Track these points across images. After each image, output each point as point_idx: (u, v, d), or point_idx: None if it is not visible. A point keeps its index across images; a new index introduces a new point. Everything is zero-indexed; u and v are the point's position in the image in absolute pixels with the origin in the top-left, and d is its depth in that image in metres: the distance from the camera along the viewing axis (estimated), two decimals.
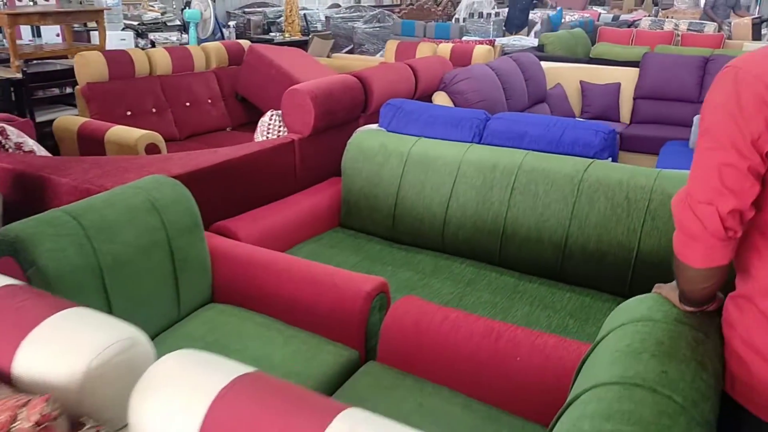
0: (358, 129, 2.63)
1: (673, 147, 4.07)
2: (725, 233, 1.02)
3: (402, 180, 2.36)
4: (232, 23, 7.13)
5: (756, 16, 8.79)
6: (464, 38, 7.29)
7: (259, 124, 2.67)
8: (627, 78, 5.04)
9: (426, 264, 2.21)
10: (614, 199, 1.99)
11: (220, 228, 2.12)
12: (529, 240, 2.12)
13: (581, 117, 5.04)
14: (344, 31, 8.49)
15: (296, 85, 2.53)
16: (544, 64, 5.30)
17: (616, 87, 5.01)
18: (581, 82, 5.06)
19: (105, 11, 5.38)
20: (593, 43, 8.44)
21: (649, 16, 11.77)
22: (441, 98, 3.45)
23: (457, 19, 9.04)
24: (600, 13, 11.88)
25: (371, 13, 8.51)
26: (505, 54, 6.66)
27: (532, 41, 7.07)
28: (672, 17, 10.84)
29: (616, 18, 11.49)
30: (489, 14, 7.88)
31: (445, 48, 4.90)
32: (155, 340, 1.71)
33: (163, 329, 1.75)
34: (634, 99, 4.97)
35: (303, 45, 7.38)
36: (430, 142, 2.39)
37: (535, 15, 8.92)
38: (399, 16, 9.98)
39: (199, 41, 5.85)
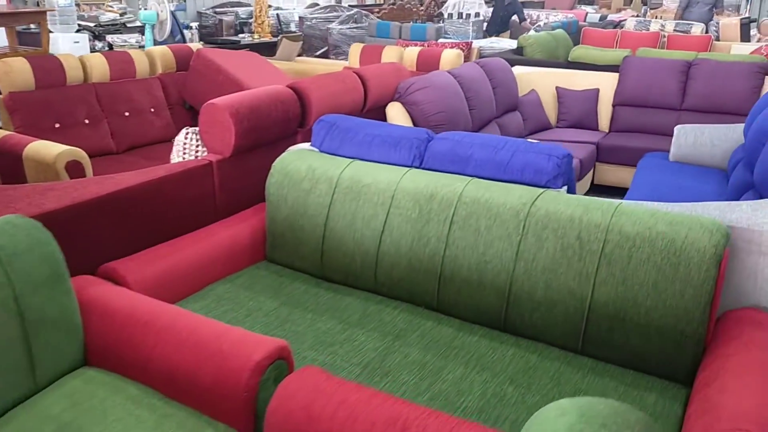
0: (289, 148, 2.33)
1: (653, 159, 3.78)
2: None
3: (330, 210, 2.06)
4: (194, 24, 6.80)
5: (745, 16, 8.53)
6: (440, 40, 7.00)
7: (174, 143, 2.37)
8: (606, 83, 4.75)
9: (354, 309, 1.91)
10: (564, 239, 1.70)
11: (107, 271, 1.81)
12: (469, 283, 1.83)
13: (557, 125, 4.76)
14: (319, 32, 8.18)
15: (215, 99, 2.23)
16: (517, 69, 5.01)
17: (595, 93, 4.73)
18: (557, 88, 4.77)
19: (51, 12, 5.06)
20: (577, 45, 8.21)
21: (637, 16, 11.53)
22: (395, 110, 3.15)
23: (437, 19, 8.75)
24: (587, 13, 11.62)
25: (347, 14, 8.20)
26: (482, 57, 6.38)
27: (511, 43, 6.79)
28: (660, 17, 10.59)
29: (603, 18, 11.24)
30: (468, 15, 7.59)
31: (411, 52, 4.60)
32: (3, 418, 1.41)
33: (17, 403, 1.45)
34: (614, 106, 4.69)
35: (273, 47, 7.07)
36: (364, 166, 2.09)
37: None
38: (378, 16, 9.68)
39: (156, 44, 5.53)
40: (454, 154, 2.05)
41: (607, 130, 4.70)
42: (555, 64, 5.34)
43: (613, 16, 11.00)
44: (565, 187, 1.94)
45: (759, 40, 9.19)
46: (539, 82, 4.82)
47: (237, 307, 1.89)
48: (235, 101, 2.23)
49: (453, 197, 1.88)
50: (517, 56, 5.85)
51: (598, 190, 4.40)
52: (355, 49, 4.78)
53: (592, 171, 4.34)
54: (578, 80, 4.82)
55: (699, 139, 3.67)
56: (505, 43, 6.93)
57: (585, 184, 4.21)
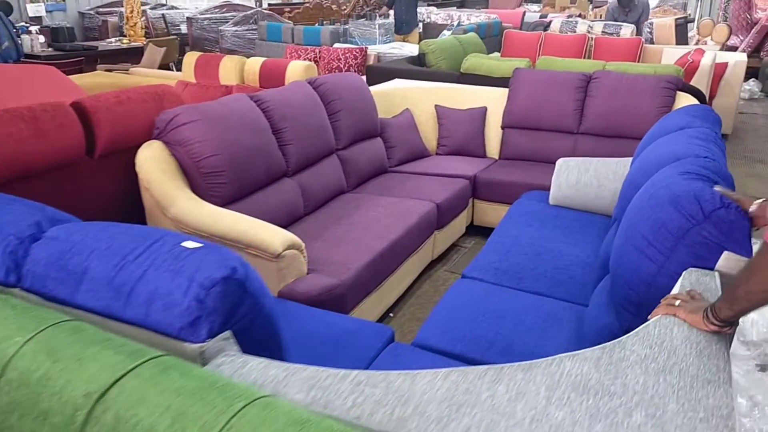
0: None
1: (528, 202, 3.00)
2: None
3: None
4: (35, 28, 5.81)
5: (680, 16, 7.86)
6: (336, 45, 6.16)
7: None
8: (496, 101, 3.97)
9: None
10: None
11: None
12: None
13: (437, 152, 3.96)
14: (213, 34, 7.26)
15: None
16: (394, 83, 4.21)
17: (481, 113, 3.94)
18: (436, 106, 3.98)
19: None
20: (500, 50, 7.44)
21: (580, 15, 10.89)
22: (152, 152, 2.29)
23: (343, 21, 7.89)
24: (524, 12, 10.94)
25: (244, 14, 7.29)
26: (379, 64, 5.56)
27: (414, 48, 5.98)
28: (601, 17, 9.94)
29: (543, 17, 10.59)
30: (374, 15, 6.75)
31: (253, 63, 3.76)
32: None
33: None
34: (503, 128, 3.91)
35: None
36: None
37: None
38: (290, 17, 8.82)
39: None
40: (61, 267, 1.21)
41: (497, 157, 3.92)
42: (445, 76, 4.54)
43: (554, 16, 10.33)
44: (227, 337, 1.11)
45: (697, 43, 8.57)
46: (418, 100, 4.02)
47: None
48: None
49: None
50: (416, 67, 5.04)
51: (478, 232, 3.62)
52: (189, 60, 3.91)
53: (469, 209, 3.55)
54: (465, 97, 4.03)
55: (583, 177, 2.90)
56: (409, 48, 6.12)
57: (459, 226, 3.41)
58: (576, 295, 2.14)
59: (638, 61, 6.47)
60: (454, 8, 12.08)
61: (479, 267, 2.33)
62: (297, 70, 3.61)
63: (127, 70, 4.64)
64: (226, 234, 2.10)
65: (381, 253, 2.44)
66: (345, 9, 10.26)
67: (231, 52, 7.17)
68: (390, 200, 2.96)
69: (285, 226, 2.64)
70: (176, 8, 8.03)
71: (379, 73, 4.81)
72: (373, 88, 3.94)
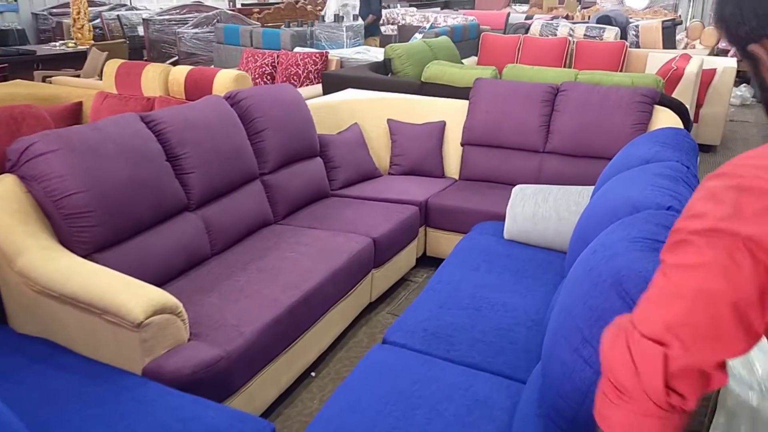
0: None
1: (480, 236, 2.60)
2: (666, 398, 0.65)
3: None
4: None
5: (668, 18, 7.46)
6: (298, 49, 5.75)
7: None
8: (456, 114, 3.56)
9: None
10: None
11: None
12: None
13: (390, 171, 3.55)
14: (171, 36, 6.83)
15: None
16: (340, 95, 3.81)
17: (439, 128, 3.53)
18: (389, 121, 3.57)
19: None
20: (477, 54, 7.04)
21: (567, 16, 10.52)
22: (3, 189, 1.87)
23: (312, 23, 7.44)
24: (509, 13, 10.55)
25: (205, 14, 6.86)
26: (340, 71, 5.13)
27: (381, 53, 5.56)
28: (589, 17, 9.56)
29: (529, 19, 10.20)
30: (342, 17, 6.34)
31: (178, 73, 3.34)
32: None
33: None
34: (463, 145, 3.50)
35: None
36: None
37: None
38: (260, 17, 8.40)
39: None
40: None
41: (457, 177, 3.51)
42: (406, 86, 4.12)
43: (539, 17, 9.94)
44: None
45: (686, 46, 8.18)
46: (370, 113, 3.61)
47: None
48: None
49: None
50: (370, 74, 4.62)
51: (433, 262, 3.20)
52: (110, 68, 3.48)
53: (420, 239, 3.14)
54: (422, 109, 3.62)
55: (540, 209, 2.50)
56: (375, 52, 5.70)
57: (405, 260, 3.00)
58: (516, 368, 1.73)
59: (621, 68, 6.07)
60: (438, 9, 11.68)
61: (405, 327, 1.92)
62: (225, 80, 3.19)
63: (50, 79, 4.21)
64: (77, 295, 1.68)
65: (290, 309, 2.02)
66: (321, 10, 9.84)
67: (190, 56, 6.74)
68: (318, 234, 2.55)
69: (184, 272, 2.24)
70: (136, 9, 7.58)
71: (336, 81, 4.39)
72: (317, 101, 3.54)
